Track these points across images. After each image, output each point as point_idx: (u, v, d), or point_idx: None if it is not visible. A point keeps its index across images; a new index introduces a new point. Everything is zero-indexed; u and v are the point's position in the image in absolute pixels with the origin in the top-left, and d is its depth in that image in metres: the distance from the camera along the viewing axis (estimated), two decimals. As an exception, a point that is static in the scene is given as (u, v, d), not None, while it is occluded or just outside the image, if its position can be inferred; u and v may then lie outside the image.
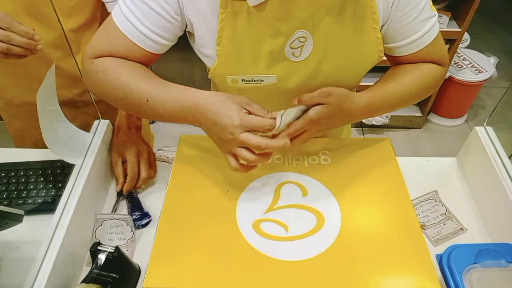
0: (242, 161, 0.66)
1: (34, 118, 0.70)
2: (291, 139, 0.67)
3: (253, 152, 0.64)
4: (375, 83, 0.77)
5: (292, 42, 0.68)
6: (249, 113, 0.63)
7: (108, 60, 0.69)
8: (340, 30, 0.68)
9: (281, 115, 0.64)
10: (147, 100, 0.66)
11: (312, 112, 0.66)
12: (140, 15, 0.66)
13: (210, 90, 0.99)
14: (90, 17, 0.99)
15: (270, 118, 0.63)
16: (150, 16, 0.66)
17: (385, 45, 0.75)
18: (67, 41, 0.97)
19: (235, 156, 0.65)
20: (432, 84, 0.78)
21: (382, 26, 0.71)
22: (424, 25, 0.71)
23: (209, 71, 0.75)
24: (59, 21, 0.86)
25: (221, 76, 0.72)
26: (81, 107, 1.11)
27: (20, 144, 1.17)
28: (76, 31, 0.97)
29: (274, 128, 0.63)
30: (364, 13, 0.68)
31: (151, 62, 0.74)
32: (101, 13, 1.09)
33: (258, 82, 0.71)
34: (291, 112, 0.65)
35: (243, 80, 0.71)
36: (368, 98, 0.72)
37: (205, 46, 0.71)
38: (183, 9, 0.67)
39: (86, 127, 0.90)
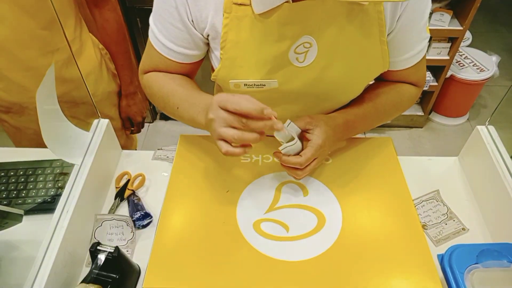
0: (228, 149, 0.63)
1: (25, 117, 0.70)
2: (302, 169, 0.70)
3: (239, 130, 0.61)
4: (352, 102, 0.80)
5: (297, 47, 0.68)
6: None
7: (152, 75, 0.79)
8: (346, 39, 0.68)
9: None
10: (177, 108, 0.74)
11: (314, 137, 0.70)
12: (167, 34, 0.72)
13: (212, 90, 1.00)
14: (59, 12, 0.96)
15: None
16: (172, 32, 0.72)
17: None
18: (70, 44, 0.96)
19: (225, 141, 0.63)
20: (407, 105, 0.84)
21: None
22: (419, 44, 0.73)
23: (213, 72, 0.76)
24: (60, 22, 0.85)
25: (224, 80, 0.73)
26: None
27: (18, 142, 1.17)
28: (47, 28, 0.95)
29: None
30: (371, 24, 0.68)
31: (192, 71, 0.82)
32: (82, 13, 1.07)
33: (260, 86, 0.71)
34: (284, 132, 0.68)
35: (245, 84, 0.71)
36: (344, 116, 0.76)
37: (212, 46, 0.73)
38: (196, 24, 0.70)
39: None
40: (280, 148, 0.70)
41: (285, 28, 0.66)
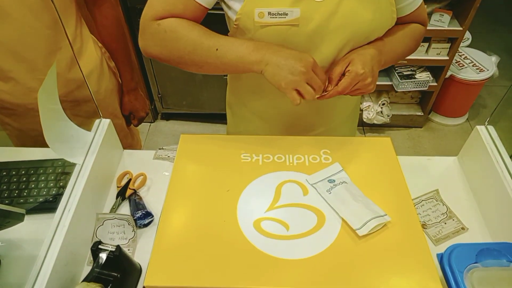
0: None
1: (29, 119, 0.70)
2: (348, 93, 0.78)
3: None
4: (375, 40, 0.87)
5: None
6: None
7: (174, 20, 0.77)
8: None
9: None
10: (217, 49, 0.75)
11: (351, 67, 0.76)
12: None
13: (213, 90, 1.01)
14: (61, 11, 0.96)
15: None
16: None
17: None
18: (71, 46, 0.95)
19: (298, 92, 0.73)
20: (418, 39, 0.92)
21: None
22: None
23: (232, 25, 0.80)
24: (61, 20, 0.85)
25: (249, 12, 0.75)
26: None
27: (21, 145, 1.16)
28: (51, 27, 0.95)
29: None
30: None
31: (201, 19, 0.81)
32: (84, 12, 1.07)
33: (283, 16, 0.75)
34: None
35: (269, 13, 0.75)
36: (373, 45, 0.82)
37: None
38: None
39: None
40: None
41: None
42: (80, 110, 1.09)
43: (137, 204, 0.84)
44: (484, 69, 2.14)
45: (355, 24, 0.77)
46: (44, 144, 0.76)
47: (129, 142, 1.33)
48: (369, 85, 0.78)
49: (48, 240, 0.69)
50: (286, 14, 0.74)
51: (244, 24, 0.78)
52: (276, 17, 0.75)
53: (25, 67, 0.96)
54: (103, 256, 0.66)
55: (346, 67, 0.77)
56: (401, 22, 0.87)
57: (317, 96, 0.75)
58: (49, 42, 0.96)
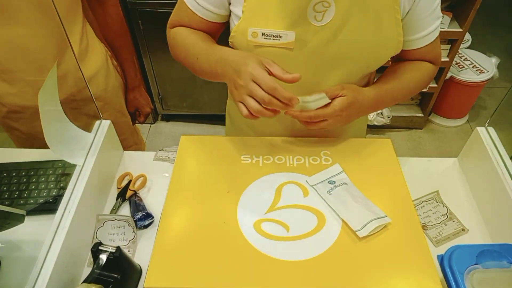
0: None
1: (39, 122, 0.70)
2: (310, 123, 0.75)
3: (259, 104, 0.66)
4: (378, 79, 0.83)
5: (316, 4, 0.70)
6: (269, 73, 0.66)
7: (178, 28, 0.84)
8: (362, 4, 0.71)
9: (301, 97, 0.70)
10: (197, 58, 0.78)
11: (336, 102, 0.73)
12: None
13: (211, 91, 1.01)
14: (69, 10, 0.97)
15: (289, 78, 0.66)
16: None
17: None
18: (72, 49, 0.95)
19: (245, 105, 0.69)
20: (427, 81, 0.86)
21: (402, 18, 0.74)
22: (434, 23, 0.77)
23: (231, 37, 0.79)
24: (60, 20, 0.85)
25: (243, 31, 0.74)
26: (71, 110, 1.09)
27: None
28: (60, 26, 0.93)
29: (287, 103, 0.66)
30: (386, 5, 0.71)
31: (213, 31, 0.85)
32: (89, 13, 1.07)
33: (277, 38, 0.73)
34: (310, 98, 0.72)
35: (263, 34, 0.73)
36: (376, 91, 0.79)
37: (234, 5, 0.76)
38: None
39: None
40: (304, 99, 0.72)
41: None
42: (90, 109, 1.09)
43: (137, 205, 0.84)
44: (484, 70, 2.15)
45: (355, 53, 0.75)
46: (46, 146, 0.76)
47: (135, 140, 1.34)
48: (331, 125, 0.76)
49: (48, 241, 0.69)
50: (280, 37, 0.73)
51: (238, 42, 0.77)
52: (269, 39, 0.73)
53: (35, 67, 0.96)
54: (103, 257, 0.66)
55: (337, 95, 0.73)
56: (410, 56, 0.83)
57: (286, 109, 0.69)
58: (59, 41, 0.96)
